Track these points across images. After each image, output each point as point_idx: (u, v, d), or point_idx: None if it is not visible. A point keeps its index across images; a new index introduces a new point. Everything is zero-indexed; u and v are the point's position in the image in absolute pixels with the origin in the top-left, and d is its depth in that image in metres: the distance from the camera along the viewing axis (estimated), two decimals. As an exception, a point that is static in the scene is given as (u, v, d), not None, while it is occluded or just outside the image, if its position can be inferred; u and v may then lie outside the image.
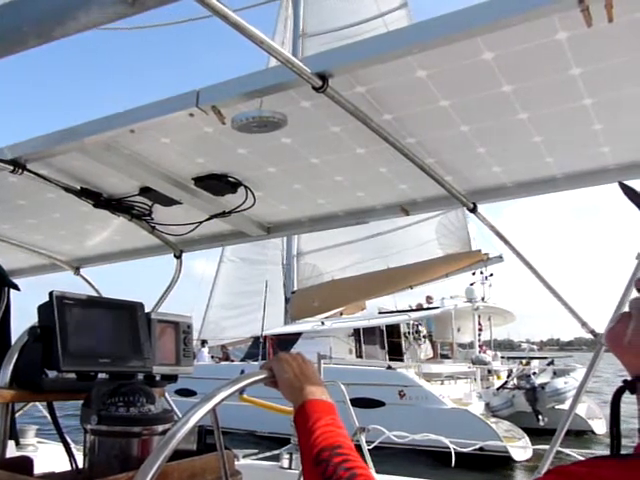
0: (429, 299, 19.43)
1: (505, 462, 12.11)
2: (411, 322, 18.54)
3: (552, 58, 1.53)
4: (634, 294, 0.83)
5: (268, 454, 3.58)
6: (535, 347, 26.68)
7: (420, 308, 19.23)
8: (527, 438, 13.48)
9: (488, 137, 1.98)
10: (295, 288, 20.96)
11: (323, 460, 0.96)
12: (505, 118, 1.84)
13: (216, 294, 26.41)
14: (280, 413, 1.55)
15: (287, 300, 20.41)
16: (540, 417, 14.77)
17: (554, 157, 2.11)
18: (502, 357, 20.98)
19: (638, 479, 0.66)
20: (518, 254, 2.55)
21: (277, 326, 19.66)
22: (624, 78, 1.61)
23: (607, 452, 0.80)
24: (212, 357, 21.24)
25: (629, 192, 0.84)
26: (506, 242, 2.56)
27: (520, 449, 12.49)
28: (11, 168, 2.10)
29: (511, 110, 1.78)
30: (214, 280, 26.96)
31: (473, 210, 2.45)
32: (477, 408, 14.65)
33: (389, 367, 15.84)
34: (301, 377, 1.15)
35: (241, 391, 1.19)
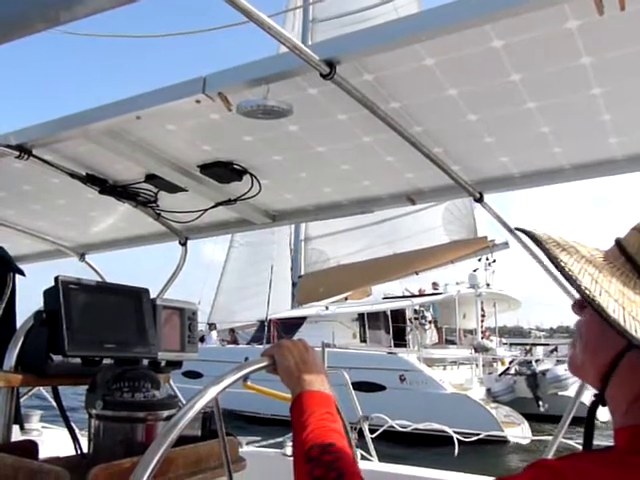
0: (435, 285, 19.46)
1: (503, 446, 12.22)
2: (417, 307, 18.58)
3: (562, 47, 1.51)
4: None
5: (272, 441, 3.61)
6: (541, 334, 26.70)
7: (422, 294, 19.28)
8: (526, 423, 13.68)
9: (496, 126, 1.96)
10: (302, 273, 21.07)
11: (312, 459, 0.94)
12: (513, 107, 1.82)
13: (226, 279, 26.66)
14: (283, 401, 1.56)
15: (294, 285, 20.52)
16: (540, 403, 14.91)
17: (562, 147, 2.09)
18: (504, 343, 21.04)
19: (613, 470, 0.70)
20: (524, 244, 2.54)
21: (285, 310, 19.80)
22: (635, 68, 1.59)
23: (604, 442, 0.87)
24: (221, 340, 21.51)
25: (530, 237, 0.86)
26: (511, 232, 2.54)
27: (518, 434, 12.66)
28: (17, 154, 2.10)
29: (519, 99, 1.77)
30: (224, 265, 27.20)
31: (479, 200, 2.44)
32: (478, 393, 14.80)
33: (390, 352, 15.98)
34: (301, 365, 1.14)
35: (245, 378, 1.19)
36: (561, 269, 0.78)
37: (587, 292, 0.75)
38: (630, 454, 0.74)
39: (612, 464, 0.72)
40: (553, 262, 0.79)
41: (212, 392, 1.08)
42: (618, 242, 0.84)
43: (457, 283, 18.96)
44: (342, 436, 1.02)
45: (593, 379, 0.85)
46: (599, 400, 0.84)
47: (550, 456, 2.48)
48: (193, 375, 14.10)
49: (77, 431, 1.92)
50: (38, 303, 1.80)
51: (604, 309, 0.73)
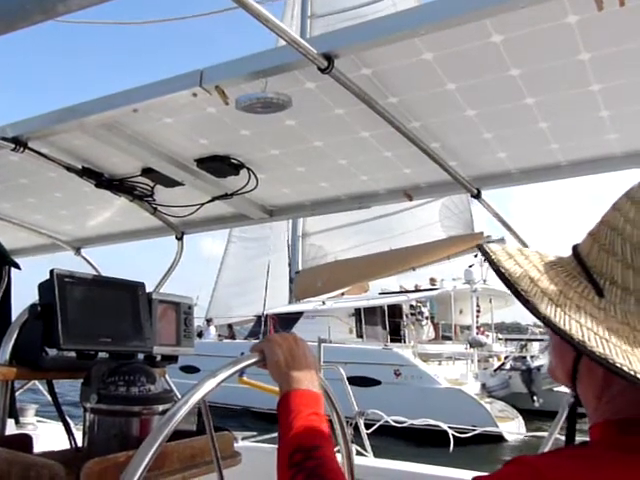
0: (433, 281, 19.49)
1: (497, 440, 12.28)
2: (413, 303, 18.63)
3: (561, 42, 1.50)
4: None
5: (267, 436, 3.61)
6: (539, 330, 26.76)
7: (418, 289, 19.32)
8: (521, 418, 13.75)
9: (494, 122, 1.96)
10: (300, 268, 21.11)
11: (295, 464, 0.92)
12: (511, 103, 1.82)
13: (224, 274, 26.68)
14: (278, 395, 1.54)
15: (292, 280, 20.55)
16: (535, 398, 15.00)
17: (559, 144, 2.08)
18: (500, 339, 21.10)
19: (586, 464, 0.73)
20: (521, 240, 2.54)
21: (282, 306, 19.85)
22: (634, 64, 1.58)
23: None
24: (219, 335, 21.61)
25: (480, 250, 0.88)
26: (509, 228, 2.55)
27: (512, 428, 12.74)
28: (12, 146, 2.08)
29: (518, 95, 1.76)
30: (222, 260, 27.22)
31: (477, 196, 2.43)
32: (472, 388, 14.90)
33: (385, 347, 16.07)
34: (290, 361, 1.10)
35: (240, 373, 1.18)
36: (500, 275, 0.81)
37: (522, 293, 0.77)
38: (602, 449, 0.77)
39: (586, 459, 0.75)
40: (496, 272, 0.82)
41: (207, 387, 1.07)
42: (574, 247, 0.87)
43: (453, 279, 18.99)
44: (327, 439, 1.00)
45: (564, 381, 0.88)
46: (576, 400, 0.87)
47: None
48: (190, 370, 14.13)
49: (72, 425, 1.91)
50: (34, 297, 1.79)
51: (535, 306, 0.76)
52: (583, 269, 0.82)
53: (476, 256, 18.33)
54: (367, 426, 3.78)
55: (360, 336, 18.36)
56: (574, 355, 0.81)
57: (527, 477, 0.72)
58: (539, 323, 0.78)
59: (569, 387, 0.87)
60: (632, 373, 0.69)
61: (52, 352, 1.75)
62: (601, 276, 0.79)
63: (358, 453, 3.17)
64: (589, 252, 0.83)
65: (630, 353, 0.71)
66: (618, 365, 0.69)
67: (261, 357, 1.14)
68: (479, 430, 5.46)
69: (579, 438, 0.90)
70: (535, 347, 18.28)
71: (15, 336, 1.80)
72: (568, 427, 0.92)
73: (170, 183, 2.48)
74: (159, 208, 2.82)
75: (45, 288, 1.74)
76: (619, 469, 0.72)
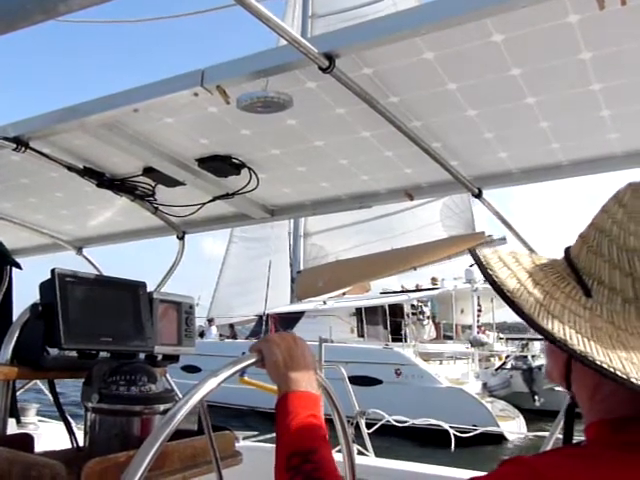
0: (434, 280, 19.49)
1: (498, 440, 12.29)
2: (415, 302, 18.64)
3: (562, 41, 1.50)
4: None
5: (268, 436, 3.61)
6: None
7: (419, 289, 19.33)
8: (522, 417, 13.76)
9: (495, 122, 1.95)
10: (301, 268, 21.14)
11: (293, 467, 0.92)
12: (512, 103, 1.82)
13: (226, 274, 26.75)
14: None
15: (293, 280, 20.58)
16: (536, 397, 15.03)
17: (560, 143, 2.08)
18: (501, 338, 21.12)
19: (583, 463, 0.73)
20: (522, 240, 2.54)
21: (284, 305, 19.88)
22: (635, 63, 1.58)
23: None
24: (221, 335, 21.69)
25: (472, 255, 0.89)
26: (510, 227, 2.54)
27: (514, 428, 12.76)
28: (14, 146, 2.08)
29: (519, 94, 1.76)
30: (223, 260, 27.31)
31: (478, 195, 2.43)
32: (473, 388, 14.93)
33: (386, 346, 16.11)
34: (288, 362, 1.09)
35: (241, 373, 1.17)
36: (487, 277, 0.82)
37: (508, 294, 0.79)
38: (599, 448, 0.79)
39: (584, 458, 0.76)
40: (484, 274, 0.83)
41: (208, 387, 1.07)
42: (566, 249, 0.88)
43: (454, 279, 18.99)
44: (325, 441, 0.99)
45: (559, 381, 0.89)
46: (574, 400, 0.89)
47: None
48: (192, 369, 14.16)
49: (73, 424, 1.92)
50: (35, 296, 1.79)
51: (520, 308, 0.77)
52: (572, 270, 0.83)
53: (477, 256, 18.29)
54: (368, 425, 3.79)
55: (361, 336, 18.38)
56: (566, 355, 0.81)
57: (525, 477, 0.72)
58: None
59: (564, 387, 0.88)
60: (612, 370, 0.70)
61: (53, 352, 1.75)
62: (589, 277, 0.81)
63: (359, 452, 3.17)
64: (579, 254, 0.84)
65: (611, 351, 0.72)
66: (598, 363, 0.70)
67: (259, 357, 1.13)
68: (480, 430, 5.47)
69: (579, 438, 0.90)
70: (536, 346, 18.28)
71: (16, 336, 1.80)
72: (566, 427, 0.93)
73: (171, 183, 2.48)
74: (160, 208, 2.82)
75: (46, 288, 1.74)
76: (617, 467, 0.72)
